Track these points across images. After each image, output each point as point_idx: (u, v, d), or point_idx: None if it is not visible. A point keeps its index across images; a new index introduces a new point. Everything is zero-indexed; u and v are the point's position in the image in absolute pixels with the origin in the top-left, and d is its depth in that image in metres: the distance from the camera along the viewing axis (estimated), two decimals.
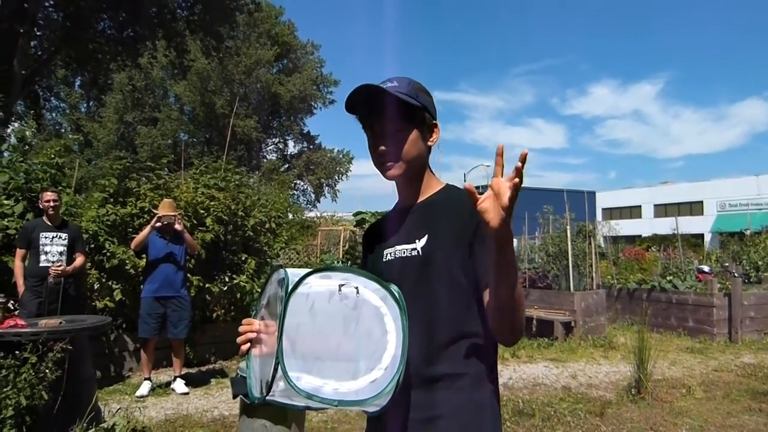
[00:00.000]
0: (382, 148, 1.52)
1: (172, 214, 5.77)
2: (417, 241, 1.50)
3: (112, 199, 6.72)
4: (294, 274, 1.30)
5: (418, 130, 1.53)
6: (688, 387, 6.07)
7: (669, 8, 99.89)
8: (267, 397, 1.28)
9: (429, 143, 1.58)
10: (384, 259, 1.58)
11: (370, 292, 1.32)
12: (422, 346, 1.42)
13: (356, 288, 1.31)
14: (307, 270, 1.31)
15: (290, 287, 1.26)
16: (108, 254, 6.35)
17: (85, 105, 34.77)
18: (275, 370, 1.24)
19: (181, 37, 26.67)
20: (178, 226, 5.71)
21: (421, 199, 1.60)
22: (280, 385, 1.25)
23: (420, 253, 1.49)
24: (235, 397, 3.70)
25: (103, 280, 6.41)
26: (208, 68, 29.02)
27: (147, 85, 32.77)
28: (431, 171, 1.64)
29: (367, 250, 1.73)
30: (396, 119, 1.50)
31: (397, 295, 1.33)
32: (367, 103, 1.52)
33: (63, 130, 32.70)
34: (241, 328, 1.39)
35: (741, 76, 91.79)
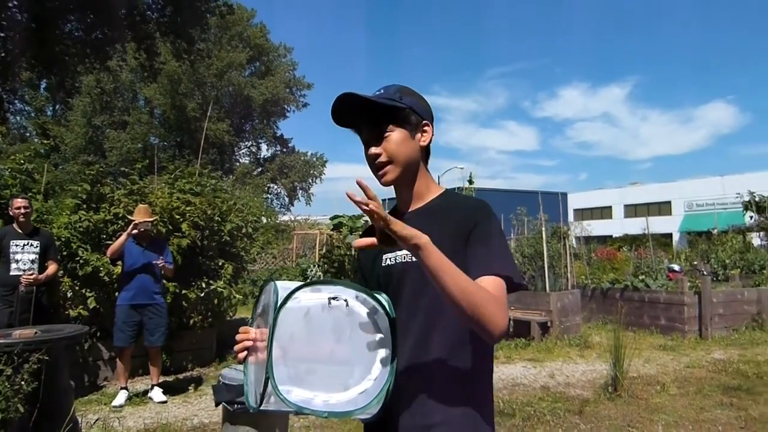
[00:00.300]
0: (372, 151, 1.53)
1: (149, 220, 5.69)
2: None
3: (84, 205, 6.58)
4: (284, 287, 1.30)
5: (404, 129, 1.53)
6: (662, 384, 6.19)
7: (637, 11, 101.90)
8: (261, 407, 1.28)
9: (421, 143, 1.58)
10: (383, 264, 1.59)
11: (359, 303, 1.33)
12: (418, 354, 1.44)
13: (346, 301, 1.32)
14: (298, 283, 1.32)
15: (279, 302, 1.27)
16: (81, 261, 6.21)
17: (51, 108, 34.04)
18: (266, 384, 1.25)
19: (152, 39, 26.26)
20: (159, 262, 5.68)
21: (420, 203, 1.60)
22: (271, 398, 1.26)
23: (414, 259, 1.46)
24: (217, 404, 3.67)
25: (77, 288, 6.27)
26: (179, 71, 28.66)
27: (116, 88, 32.22)
28: (428, 173, 1.64)
29: (363, 253, 1.73)
30: (379, 122, 1.52)
31: (387, 306, 1.34)
32: (350, 114, 1.53)
33: (28, 134, 31.97)
34: (237, 336, 1.39)
35: (706, 80, 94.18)
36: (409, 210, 1.61)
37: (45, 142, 14.79)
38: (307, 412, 1.24)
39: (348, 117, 1.55)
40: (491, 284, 1.37)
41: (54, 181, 8.62)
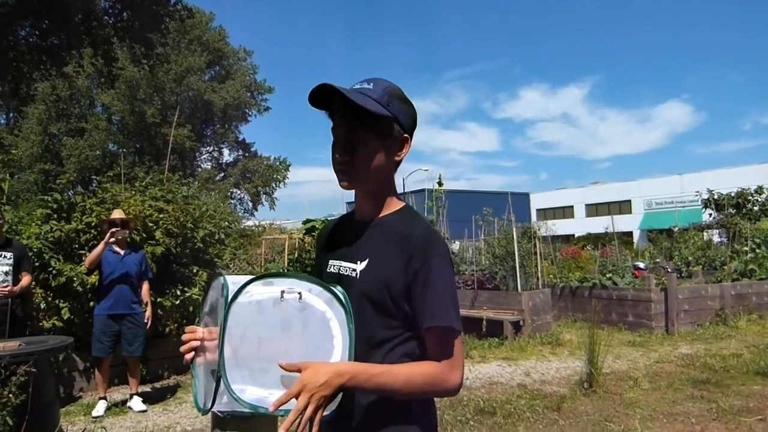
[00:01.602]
0: (339, 157, 1.42)
1: (125, 220, 5.65)
2: (358, 262, 1.44)
3: (55, 215, 6.46)
4: (234, 282, 1.26)
5: (382, 142, 1.42)
6: (634, 379, 6.38)
7: (594, 11, 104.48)
8: (213, 409, 1.25)
9: (396, 157, 1.46)
10: (327, 270, 1.53)
11: (314, 296, 1.30)
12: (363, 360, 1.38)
13: (299, 293, 1.28)
14: (249, 277, 1.28)
15: (230, 297, 1.23)
16: (54, 272, 6.10)
17: (4, 117, 33.01)
18: (218, 383, 1.21)
19: (109, 44, 25.71)
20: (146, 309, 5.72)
21: (378, 215, 1.49)
22: (224, 398, 1.23)
23: (357, 276, 1.43)
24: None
25: (50, 299, 6.15)
26: (137, 76, 28.15)
27: (72, 94, 31.42)
28: (394, 186, 1.54)
29: (320, 252, 1.67)
30: (356, 125, 1.38)
31: (342, 298, 1.31)
32: (330, 103, 1.41)
33: None
34: (184, 337, 1.35)
35: (661, 79, 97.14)
36: (365, 219, 1.51)
37: (15, 151, 14.28)
38: (262, 411, 1.19)
39: (325, 101, 1.42)
40: (438, 339, 1.34)
41: (11, 191, 8.41)
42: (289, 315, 1.27)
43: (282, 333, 1.26)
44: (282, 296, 1.26)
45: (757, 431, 4.63)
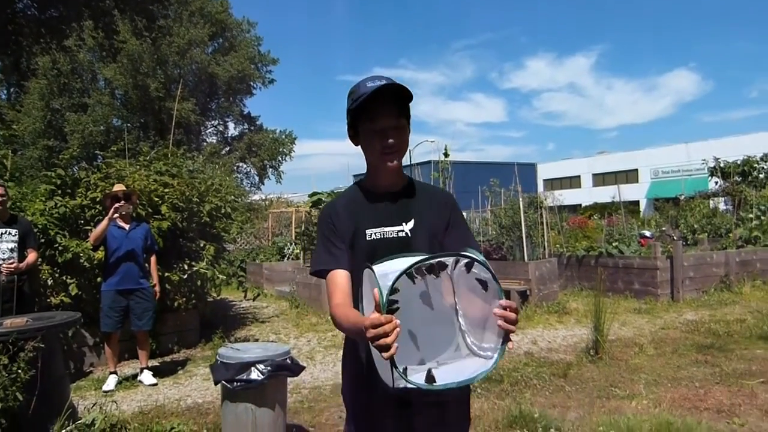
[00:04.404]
0: (392, 141, 1.69)
1: (128, 193, 5.64)
2: (404, 223, 1.73)
3: (59, 191, 6.44)
4: (383, 276, 1.31)
5: (408, 124, 1.76)
6: (639, 345, 6.42)
7: None
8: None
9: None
10: (367, 238, 1.73)
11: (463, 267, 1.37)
12: None
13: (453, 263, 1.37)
14: (396, 268, 1.32)
15: (386, 298, 1.26)
16: (60, 248, 6.10)
17: (5, 92, 32.84)
18: (392, 365, 1.24)
19: (110, 16, 25.45)
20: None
21: (401, 184, 1.82)
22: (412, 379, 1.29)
23: (408, 234, 1.72)
24: (216, 383, 3.69)
25: (57, 275, 6.18)
26: (139, 49, 27.83)
27: (74, 68, 31.12)
28: None
29: (340, 224, 1.76)
30: (402, 115, 1.71)
31: (480, 259, 1.37)
32: (383, 99, 1.64)
33: None
34: (386, 327, 1.22)
35: (668, 47, 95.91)
36: (394, 190, 1.80)
37: (16, 126, 14.20)
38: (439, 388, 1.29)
39: (377, 102, 1.64)
40: None
41: (14, 168, 8.39)
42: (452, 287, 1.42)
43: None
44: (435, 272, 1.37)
45: (759, 393, 4.64)
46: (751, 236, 11.49)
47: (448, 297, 1.40)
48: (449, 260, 1.35)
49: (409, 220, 1.73)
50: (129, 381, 5.72)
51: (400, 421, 1.68)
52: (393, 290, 1.26)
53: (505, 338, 1.32)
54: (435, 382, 1.28)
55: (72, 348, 6.22)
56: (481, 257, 1.37)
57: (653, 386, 4.98)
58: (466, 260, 1.35)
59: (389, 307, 1.26)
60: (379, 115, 1.67)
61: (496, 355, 1.32)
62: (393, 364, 1.23)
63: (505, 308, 1.31)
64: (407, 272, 1.28)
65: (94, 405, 4.09)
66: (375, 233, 1.72)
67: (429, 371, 1.31)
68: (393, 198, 1.77)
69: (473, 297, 1.38)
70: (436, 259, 1.33)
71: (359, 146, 1.78)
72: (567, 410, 4.45)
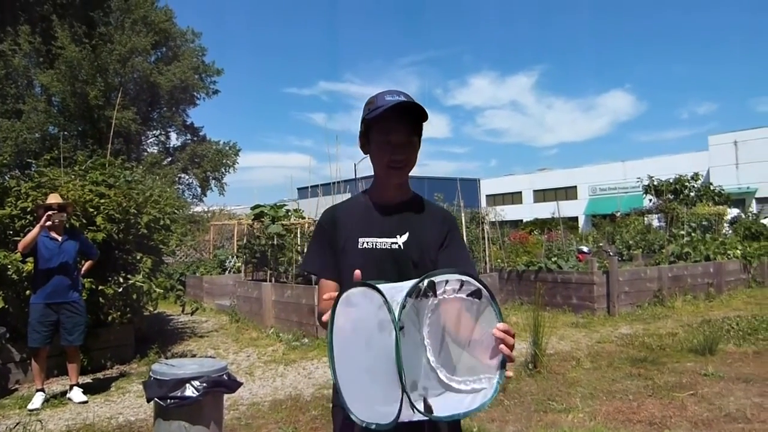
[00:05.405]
0: (401, 156, 1.73)
1: (63, 204, 5.42)
2: (399, 236, 1.75)
3: None
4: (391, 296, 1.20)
5: (419, 140, 1.79)
6: (577, 359, 6.58)
7: (542, 1, 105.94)
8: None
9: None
10: (359, 246, 1.75)
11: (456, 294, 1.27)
12: None
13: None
14: (398, 292, 1.20)
15: (397, 329, 1.15)
16: None
17: None
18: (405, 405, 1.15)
19: (48, 21, 24.61)
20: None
21: (405, 197, 1.85)
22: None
23: (401, 247, 1.74)
24: (149, 400, 3.57)
25: None
26: (78, 56, 26.95)
27: (8, 74, 29.89)
28: None
29: (334, 231, 1.82)
30: (414, 133, 1.75)
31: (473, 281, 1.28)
32: (399, 115, 1.68)
33: None
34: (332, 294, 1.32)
35: (606, 69, 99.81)
36: (393, 202, 1.82)
37: None
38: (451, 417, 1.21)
39: (391, 119, 1.68)
40: None
41: None
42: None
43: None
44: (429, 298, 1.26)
45: (689, 405, 4.82)
46: (682, 252, 11.94)
47: (425, 326, 1.30)
48: (440, 279, 1.25)
49: (404, 234, 1.76)
50: (57, 399, 5.47)
51: None
52: (402, 306, 1.17)
53: (503, 363, 1.26)
54: (432, 412, 1.20)
55: None
56: (473, 281, 1.28)
57: (589, 399, 5.10)
58: (459, 280, 1.27)
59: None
60: (393, 129, 1.72)
61: (495, 382, 1.25)
62: (404, 389, 1.12)
63: (503, 332, 1.25)
64: (410, 293, 1.20)
65: (17, 425, 3.90)
66: (367, 243, 1.75)
67: (425, 400, 1.21)
68: (393, 210, 1.80)
69: (463, 319, 1.29)
70: (428, 279, 1.23)
71: (368, 155, 1.83)
72: (505, 424, 4.52)
